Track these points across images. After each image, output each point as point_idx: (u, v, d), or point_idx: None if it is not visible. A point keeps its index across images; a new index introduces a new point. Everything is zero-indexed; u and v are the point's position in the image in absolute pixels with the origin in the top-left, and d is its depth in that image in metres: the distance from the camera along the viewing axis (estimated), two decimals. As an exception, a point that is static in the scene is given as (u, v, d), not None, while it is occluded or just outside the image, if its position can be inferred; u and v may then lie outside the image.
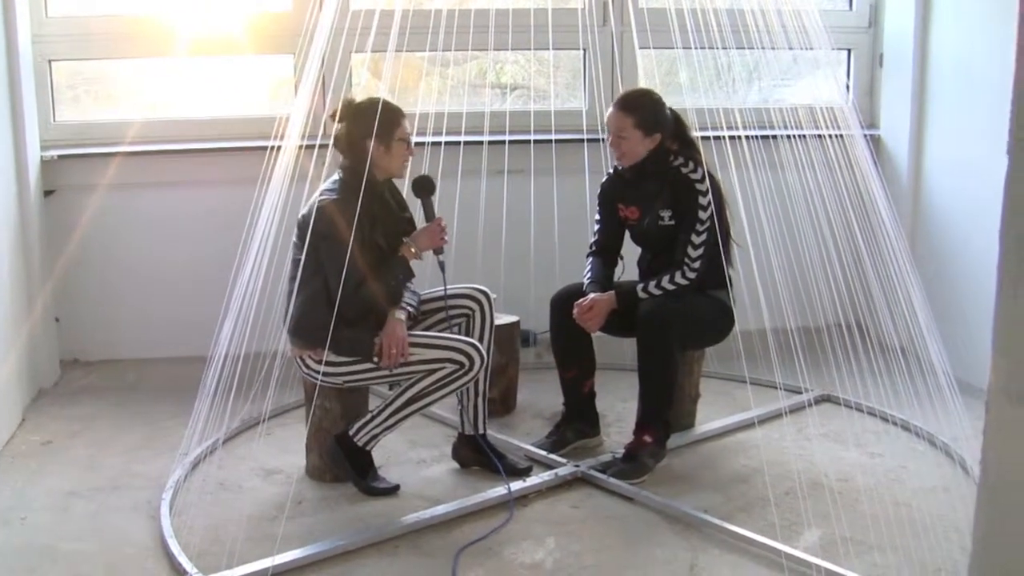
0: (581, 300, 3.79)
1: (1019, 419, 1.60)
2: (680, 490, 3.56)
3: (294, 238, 3.50)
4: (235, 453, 3.92)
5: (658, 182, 3.79)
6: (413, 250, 3.56)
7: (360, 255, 3.35)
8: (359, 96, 3.65)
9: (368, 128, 3.37)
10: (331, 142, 3.56)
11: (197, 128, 5.05)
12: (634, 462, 3.64)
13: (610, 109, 3.83)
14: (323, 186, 3.52)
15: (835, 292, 3.88)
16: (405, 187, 3.73)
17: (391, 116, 3.49)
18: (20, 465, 3.83)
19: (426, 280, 3.74)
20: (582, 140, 4.70)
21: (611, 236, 4.02)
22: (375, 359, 3.43)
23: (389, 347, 3.40)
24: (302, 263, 3.41)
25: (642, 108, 3.77)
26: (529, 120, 4.84)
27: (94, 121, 5.05)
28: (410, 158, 3.59)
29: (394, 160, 3.53)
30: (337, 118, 3.53)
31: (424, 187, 3.66)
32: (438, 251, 3.61)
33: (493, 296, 3.76)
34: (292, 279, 3.48)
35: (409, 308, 3.58)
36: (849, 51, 5.48)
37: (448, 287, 3.67)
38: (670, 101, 3.88)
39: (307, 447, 3.70)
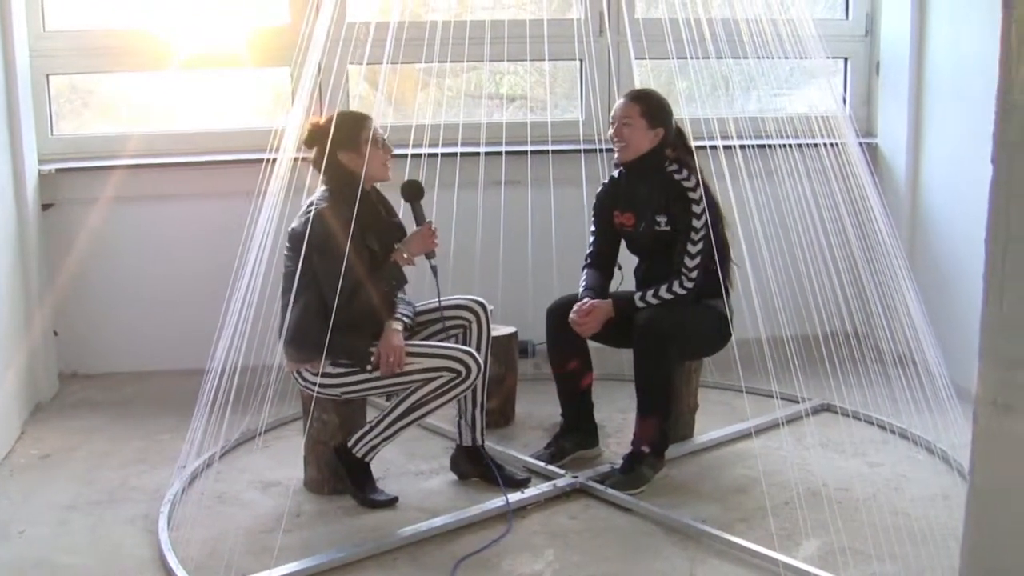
0: (580, 304, 3.79)
1: (1006, 428, 1.60)
2: (679, 500, 3.55)
3: (285, 251, 3.51)
4: (233, 466, 3.91)
5: (652, 186, 3.80)
6: (405, 255, 3.57)
7: (353, 262, 3.36)
8: (336, 111, 3.64)
9: (336, 142, 3.43)
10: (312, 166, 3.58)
11: (195, 141, 5.06)
12: (632, 473, 3.64)
13: (619, 101, 3.87)
14: (310, 199, 3.52)
15: (833, 301, 3.88)
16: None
17: (353, 122, 3.52)
18: (19, 478, 3.84)
19: (423, 289, 3.73)
20: (579, 151, 4.70)
21: (607, 246, 4.02)
22: (368, 368, 3.44)
23: (387, 356, 3.41)
24: (298, 274, 3.41)
25: (649, 100, 3.83)
26: (526, 131, 4.84)
27: (92, 134, 5.08)
28: (388, 158, 3.58)
29: (370, 163, 3.49)
30: (307, 143, 3.55)
31: (413, 191, 3.66)
32: (430, 255, 3.62)
33: (490, 307, 3.76)
34: (285, 292, 3.48)
35: (405, 319, 3.58)
36: (846, 60, 5.49)
37: (445, 299, 3.67)
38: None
39: (305, 459, 3.70)
